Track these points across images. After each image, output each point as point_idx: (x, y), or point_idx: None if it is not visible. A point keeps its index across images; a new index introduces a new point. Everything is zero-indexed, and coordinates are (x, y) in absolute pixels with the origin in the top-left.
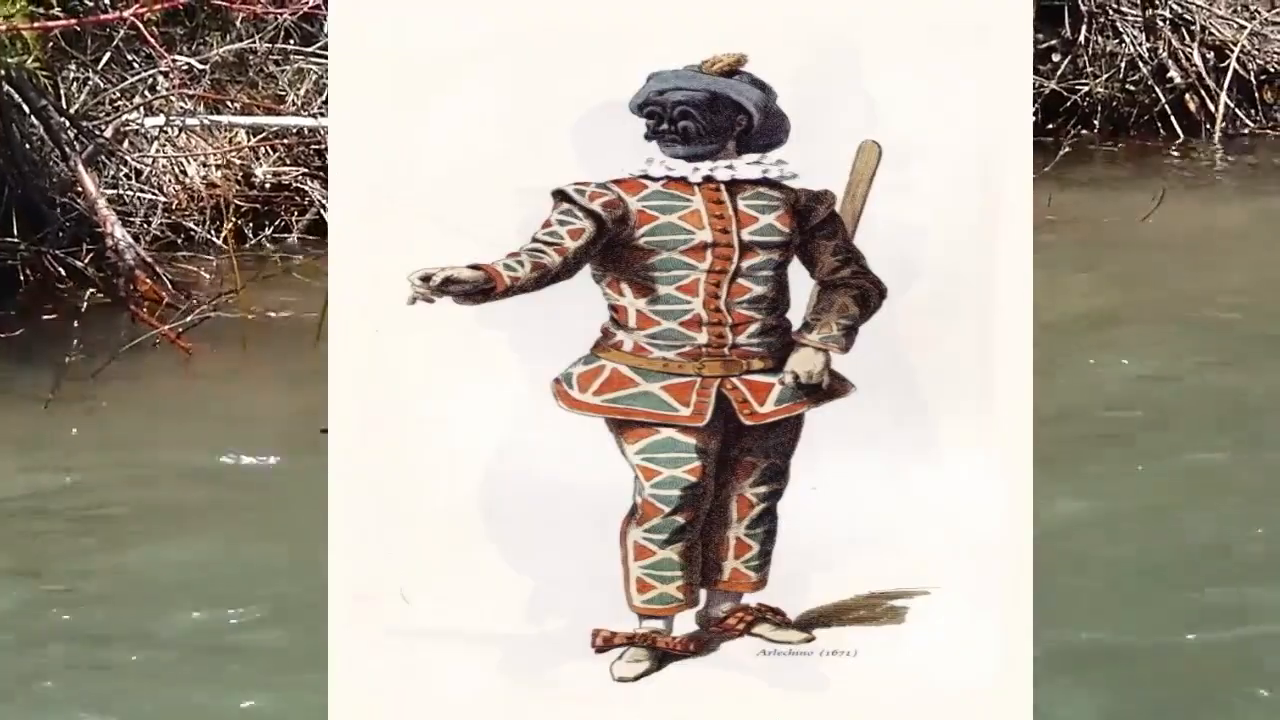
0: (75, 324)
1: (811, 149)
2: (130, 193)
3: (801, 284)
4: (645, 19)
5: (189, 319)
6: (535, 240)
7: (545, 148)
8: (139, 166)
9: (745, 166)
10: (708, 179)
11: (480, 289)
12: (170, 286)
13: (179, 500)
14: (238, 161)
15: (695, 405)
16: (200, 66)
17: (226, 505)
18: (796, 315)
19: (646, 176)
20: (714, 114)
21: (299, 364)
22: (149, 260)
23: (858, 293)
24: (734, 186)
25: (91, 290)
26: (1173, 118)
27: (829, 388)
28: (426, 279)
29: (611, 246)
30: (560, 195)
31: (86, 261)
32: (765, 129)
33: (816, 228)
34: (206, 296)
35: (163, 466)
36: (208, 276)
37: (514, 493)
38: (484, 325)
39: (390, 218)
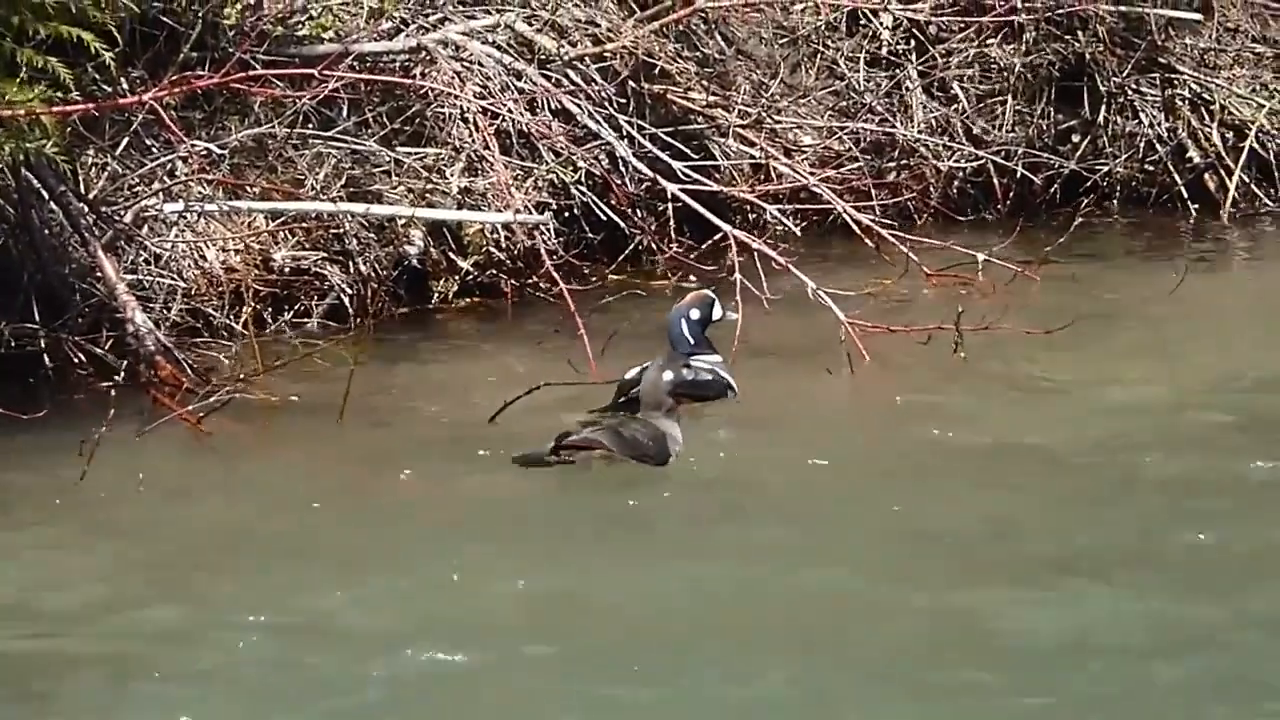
0: (110, 405)
1: None
2: (150, 278)
3: None
4: None
5: (209, 401)
6: None
7: None
8: (158, 251)
9: None
10: None
11: None
12: (190, 371)
13: None
14: (257, 246)
15: None
16: (219, 151)
17: None
18: None
19: None
20: None
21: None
22: (168, 345)
23: None
24: None
25: (115, 378)
26: (1187, 198)
27: None
28: None
29: None
30: None
31: (107, 347)
32: None
33: None
34: (226, 380)
35: None
36: (227, 361)
37: None
38: None
39: None
